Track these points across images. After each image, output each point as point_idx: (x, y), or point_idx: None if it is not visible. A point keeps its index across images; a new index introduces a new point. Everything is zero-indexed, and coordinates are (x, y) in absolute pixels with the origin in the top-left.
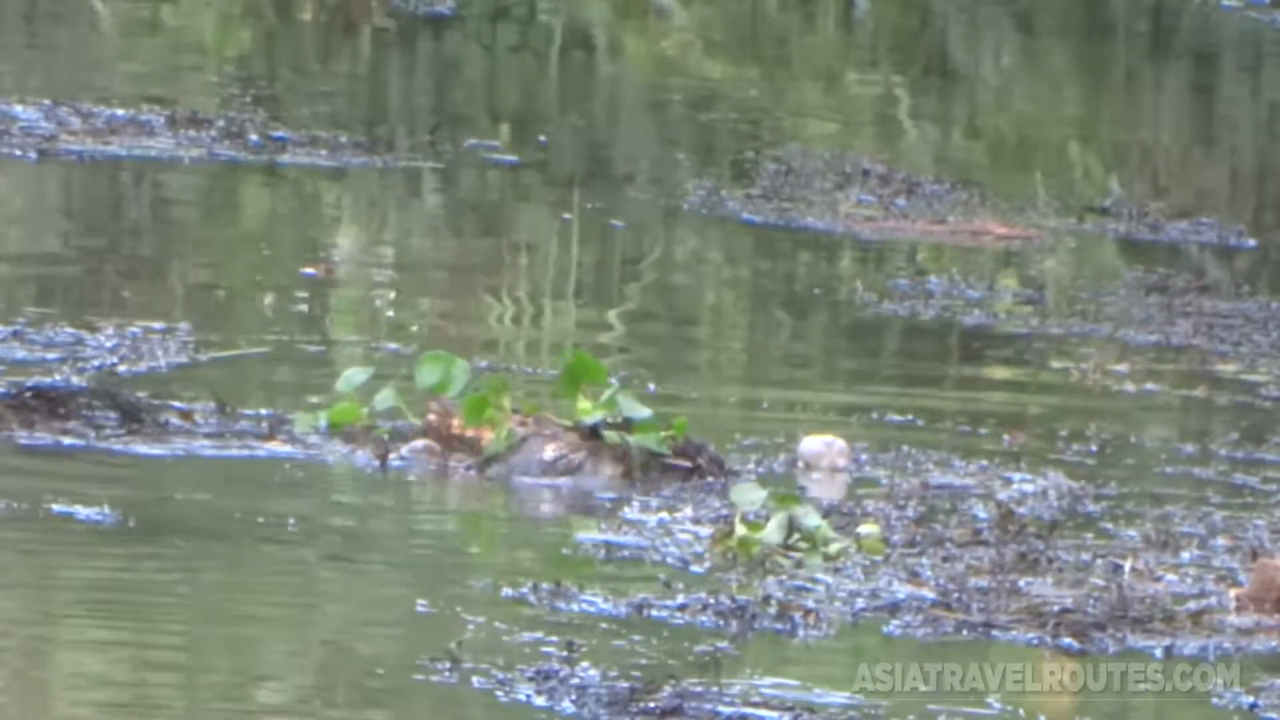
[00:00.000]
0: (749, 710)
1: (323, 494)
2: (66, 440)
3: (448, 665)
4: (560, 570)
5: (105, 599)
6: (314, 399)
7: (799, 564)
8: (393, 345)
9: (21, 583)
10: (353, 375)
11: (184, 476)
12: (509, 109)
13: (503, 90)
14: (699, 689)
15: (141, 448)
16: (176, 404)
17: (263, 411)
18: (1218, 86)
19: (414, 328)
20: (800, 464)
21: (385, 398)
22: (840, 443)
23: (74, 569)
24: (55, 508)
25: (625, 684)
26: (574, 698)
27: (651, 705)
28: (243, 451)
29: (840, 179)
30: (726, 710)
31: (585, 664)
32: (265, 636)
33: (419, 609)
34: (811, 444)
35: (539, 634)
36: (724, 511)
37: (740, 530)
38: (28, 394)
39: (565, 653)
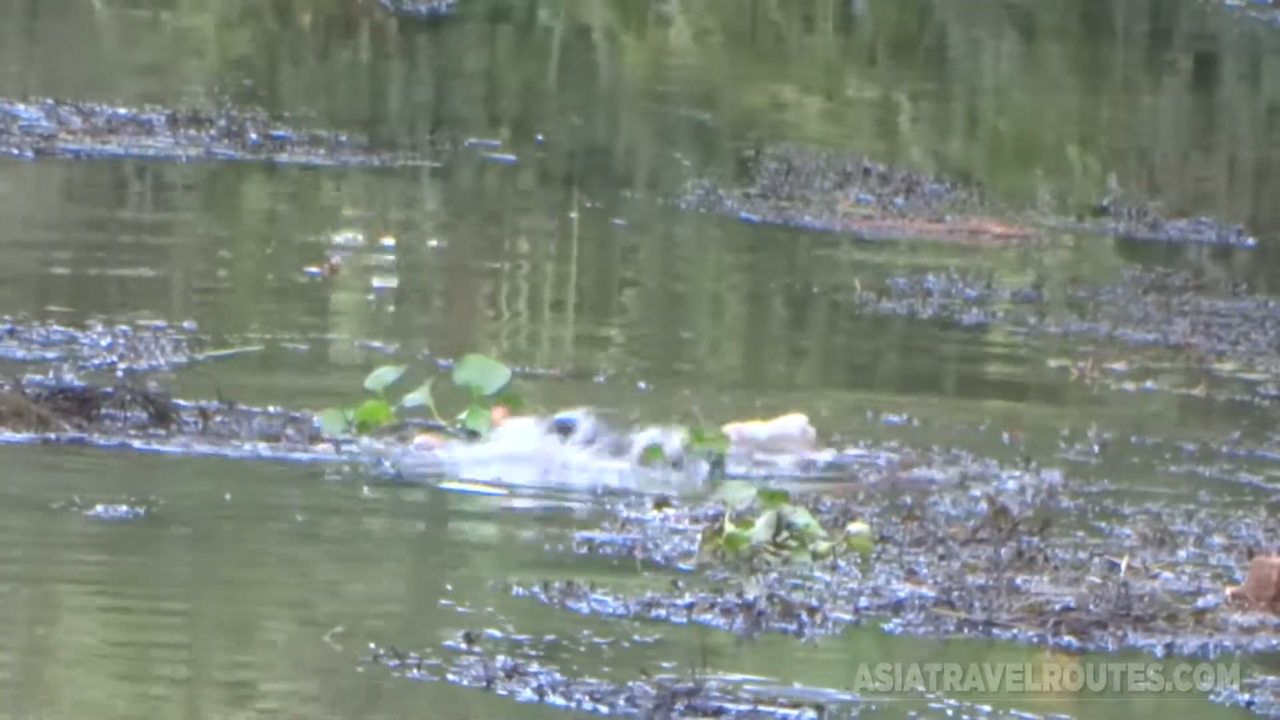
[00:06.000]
0: (763, 708)
1: (335, 492)
2: (99, 439)
3: (454, 663)
4: (563, 568)
5: (110, 597)
6: (324, 397)
7: (786, 561)
8: (394, 345)
9: (29, 577)
10: (383, 374)
11: (210, 475)
12: (508, 108)
13: (502, 89)
14: (713, 688)
15: (171, 447)
16: (205, 404)
17: (273, 409)
18: (1218, 85)
19: (415, 326)
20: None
21: (416, 397)
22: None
23: (83, 565)
24: (73, 505)
25: (636, 684)
26: (589, 699)
27: (683, 706)
28: (261, 450)
29: (840, 178)
30: (734, 708)
31: (581, 665)
32: (268, 633)
33: (426, 605)
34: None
35: (551, 633)
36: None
37: (729, 528)
38: (59, 395)
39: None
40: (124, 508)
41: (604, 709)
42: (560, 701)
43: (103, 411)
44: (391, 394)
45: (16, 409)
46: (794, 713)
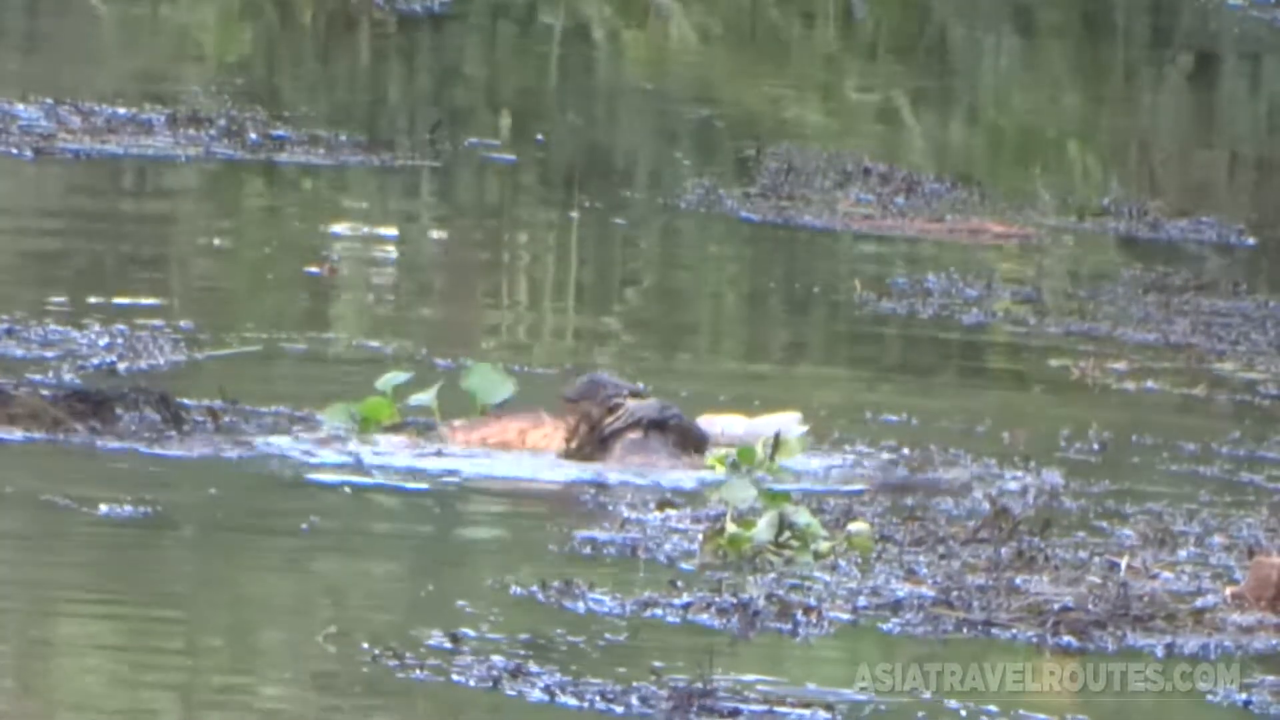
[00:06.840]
0: (776, 709)
1: (337, 492)
2: (111, 442)
3: (455, 663)
4: (562, 568)
5: (111, 597)
6: (322, 397)
7: (789, 561)
8: (392, 344)
9: (31, 578)
10: (393, 377)
11: (216, 476)
12: (508, 107)
13: (502, 89)
14: (722, 688)
15: (180, 450)
16: (213, 404)
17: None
18: (1219, 85)
19: (414, 326)
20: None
21: (422, 398)
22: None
23: (85, 566)
24: (81, 506)
25: (642, 684)
26: (601, 699)
27: (700, 706)
28: (266, 450)
29: (841, 177)
30: (748, 709)
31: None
32: (267, 631)
33: (426, 604)
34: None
35: (548, 633)
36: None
37: (731, 528)
38: (74, 396)
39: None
40: (129, 508)
41: (618, 709)
42: (572, 702)
43: (117, 413)
44: (399, 395)
45: (32, 411)
46: (806, 713)
